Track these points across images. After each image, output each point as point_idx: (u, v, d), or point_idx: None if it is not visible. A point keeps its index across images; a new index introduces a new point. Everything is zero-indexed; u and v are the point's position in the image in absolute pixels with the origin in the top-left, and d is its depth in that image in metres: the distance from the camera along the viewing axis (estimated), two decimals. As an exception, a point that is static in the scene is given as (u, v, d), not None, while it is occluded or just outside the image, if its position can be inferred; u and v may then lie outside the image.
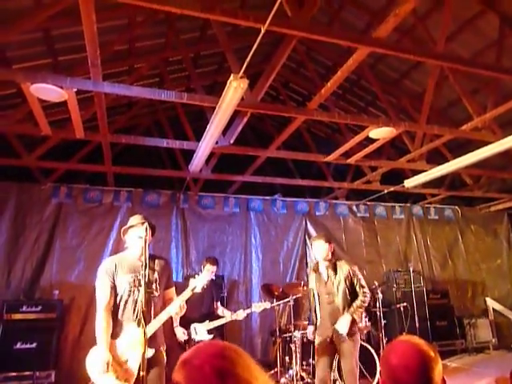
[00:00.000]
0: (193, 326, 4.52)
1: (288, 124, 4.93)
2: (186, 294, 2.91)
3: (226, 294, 6.14)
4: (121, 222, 6.24)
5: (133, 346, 2.62)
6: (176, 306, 2.81)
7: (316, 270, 3.87)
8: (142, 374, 2.23)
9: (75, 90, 3.51)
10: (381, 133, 4.81)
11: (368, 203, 7.90)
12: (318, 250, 3.77)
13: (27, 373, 4.90)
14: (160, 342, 2.83)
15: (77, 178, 6.50)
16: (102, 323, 2.68)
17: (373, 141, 5.18)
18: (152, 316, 2.74)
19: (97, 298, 2.77)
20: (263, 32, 2.88)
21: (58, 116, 5.52)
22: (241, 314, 4.69)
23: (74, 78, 3.78)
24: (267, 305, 4.82)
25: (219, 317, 4.76)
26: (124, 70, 5.56)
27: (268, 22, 2.81)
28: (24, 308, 5.18)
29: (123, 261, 2.87)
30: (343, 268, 3.70)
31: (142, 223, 2.75)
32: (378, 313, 5.54)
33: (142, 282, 2.52)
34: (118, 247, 6.15)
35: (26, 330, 4.99)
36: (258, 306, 4.78)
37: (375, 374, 4.88)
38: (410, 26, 4.86)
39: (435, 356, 1.27)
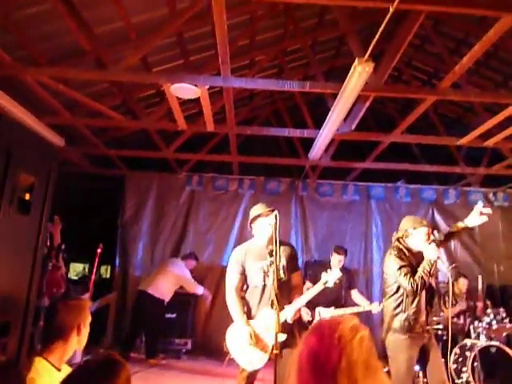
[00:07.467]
0: (317, 309, 4.60)
1: (412, 105, 4.62)
2: (318, 287, 3.04)
3: (345, 283, 6.10)
4: (245, 209, 6.67)
5: (268, 329, 2.80)
6: (308, 297, 2.97)
7: None
8: (275, 351, 2.37)
9: (207, 86, 3.82)
10: (528, 110, 4.20)
11: (508, 190, 6.97)
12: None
13: (171, 339, 5.67)
14: (293, 325, 2.95)
15: (205, 168, 7.11)
16: (232, 302, 2.96)
17: (516, 120, 4.55)
18: (285, 299, 2.88)
19: (226, 282, 3.06)
20: (392, 11, 2.73)
21: (188, 112, 6.08)
22: (376, 307, 4.56)
23: (206, 75, 4.12)
24: None
25: (346, 304, 4.76)
26: (245, 64, 5.83)
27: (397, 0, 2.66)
28: (167, 283, 5.93)
29: (252, 249, 3.08)
30: None
31: (272, 210, 2.87)
32: (522, 314, 4.91)
33: (272, 268, 2.73)
34: (243, 232, 6.59)
35: (169, 302, 5.62)
36: None
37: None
38: None
39: None
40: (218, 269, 6.32)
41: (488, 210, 3.13)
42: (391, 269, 2.99)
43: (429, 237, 3.01)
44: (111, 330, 6.13)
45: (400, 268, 2.92)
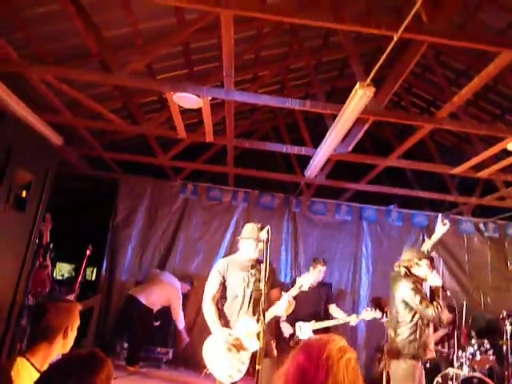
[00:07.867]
0: (298, 323, 4.57)
1: (410, 131, 4.71)
2: (294, 291, 3.09)
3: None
4: (237, 221, 6.69)
5: (248, 336, 2.84)
6: (284, 302, 3.00)
7: None
8: (257, 367, 2.36)
9: (210, 98, 3.86)
10: (522, 145, 4.29)
11: (499, 222, 7.06)
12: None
13: (152, 347, 5.60)
14: (270, 335, 3.00)
15: (200, 177, 7.12)
16: (208, 309, 3.06)
17: (510, 153, 4.63)
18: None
19: (205, 290, 3.17)
20: (396, 40, 2.81)
21: (188, 120, 6.11)
22: (354, 319, 4.64)
23: (209, 87, 4.17)
24: (378, 314, 4.56)
25: (326, 318, 4.79)
26: (248, 78, 5.90)
27: (401, 29, 2.73)
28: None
29: (235, 260, 3.23)
30: None
31: (262, 228, 2.93)
32: (505, 347, 4.93)
33: (252, 279, 2.92)
34: (233, 244, 6.57)
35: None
36: (368, 313, 4.56)
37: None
38: None
39: None
40: (205, 279, 6.26)
41: (447, 222, 3.61)
42: (411, 300, 3.21)
43: (431, 267, 3.38)
44: (92, 333, 6.03)
45: (421, 300, 3.17)
